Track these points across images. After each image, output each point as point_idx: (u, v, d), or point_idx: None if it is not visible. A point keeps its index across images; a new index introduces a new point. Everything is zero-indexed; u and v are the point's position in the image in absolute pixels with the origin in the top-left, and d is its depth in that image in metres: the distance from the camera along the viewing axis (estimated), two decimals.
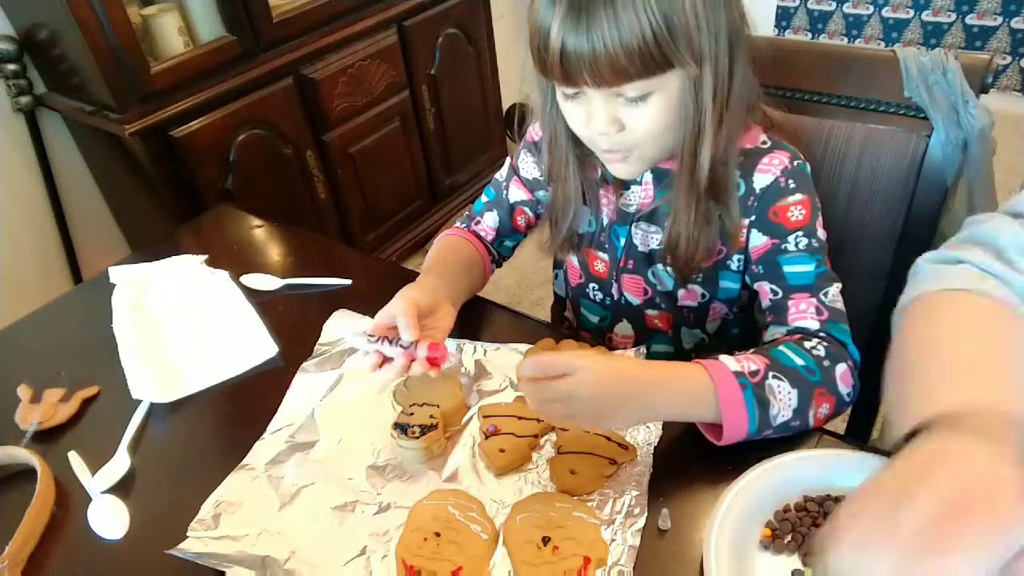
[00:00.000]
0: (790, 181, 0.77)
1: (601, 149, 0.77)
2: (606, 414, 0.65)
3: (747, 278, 0.84)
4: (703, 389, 0.67)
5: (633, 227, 0.86)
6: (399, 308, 0.73)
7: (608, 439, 0.72)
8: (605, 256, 0.91)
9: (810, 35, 3.21)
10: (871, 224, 0.90)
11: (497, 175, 0.98)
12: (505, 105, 2.69)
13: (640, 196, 0.84)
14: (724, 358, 0.69)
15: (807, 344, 0.72)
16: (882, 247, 0.90)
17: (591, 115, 0.72)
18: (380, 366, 0.72)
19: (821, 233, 0.78)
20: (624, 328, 0.97)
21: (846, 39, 3.12)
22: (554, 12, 0.66)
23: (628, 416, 0.68)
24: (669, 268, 0.86)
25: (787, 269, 0.77)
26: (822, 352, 0.71)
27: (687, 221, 0.78)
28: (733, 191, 0.78)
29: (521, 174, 0.95)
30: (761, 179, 0.77)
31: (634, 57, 0.65)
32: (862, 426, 1.05)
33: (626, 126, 0.72)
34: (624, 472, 0.69)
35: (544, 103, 0.81)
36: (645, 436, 0.73)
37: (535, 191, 0.94)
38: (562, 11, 0.65)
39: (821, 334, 0.74)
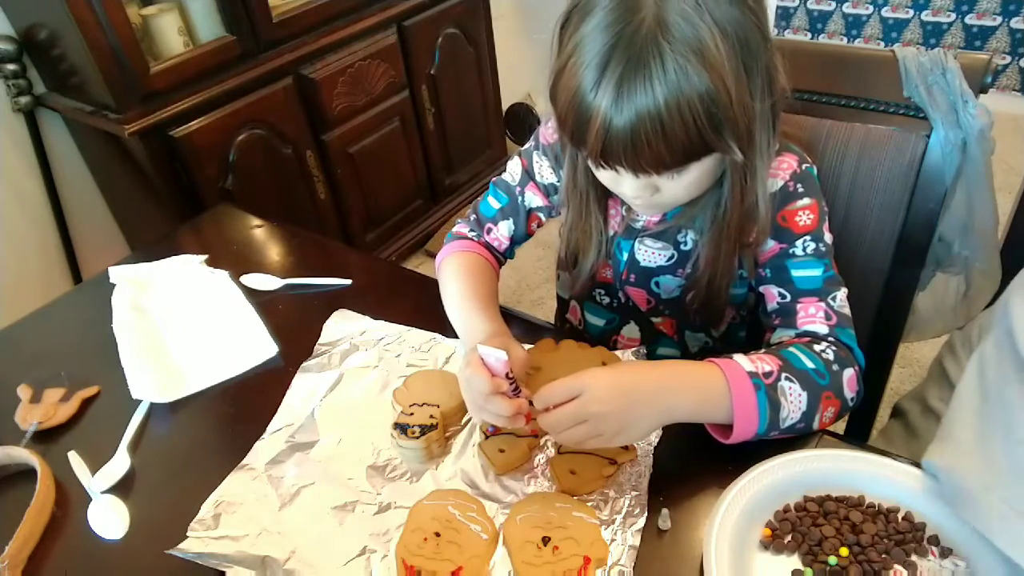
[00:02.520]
0: (799, 185, 0.76)
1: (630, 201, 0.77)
2: (626, 426, 0.64)
3: (752, 281, 0.84)
4: (717, 390, 0.66)
5: (637, 242, 0.86)
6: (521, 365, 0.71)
7: None
8: (612, 264, 0.91)
9: (810, 35, 3.21)
10: (870, 224, 0.90)
11: (506, 176, 0.94)
12: (505, 105, 2.69)
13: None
14: (738, 358, 0.69)
15: (817, 347, 0.72)
16: (881, 247, 0.90)
17: (621, 180, 0.70)
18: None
19: (828, 237, 0.77)
20: (631, 331, 0.96)
21: (846, 39, 3.12)
22: (599, 89, 0.62)
23: (647, 424, 0.66)
24: (675, 276, 0.86)
25: (795, 273, 0.77)
26: (831, 356, 0.71)
27: (717, 271, 0.79)
28: (759, 246, 0.77)
29: (537, 179, 0.91)
30: (770, 184, 0.76)
31: (675, 146, 0.62)
32: (862, 426, 1.05)
33: (660, 190, 0.71)
34: (624, 472, 0.69)
35: (564, 143, 0.80)
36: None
37: (551, 196, 0.92)
38: (609, 91, 0.61)
39: (830, 338, 0.74)
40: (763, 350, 0.72)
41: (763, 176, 0.71)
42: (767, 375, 0.67)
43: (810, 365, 0.69)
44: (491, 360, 0.66)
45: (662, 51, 0.59)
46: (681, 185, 0.70)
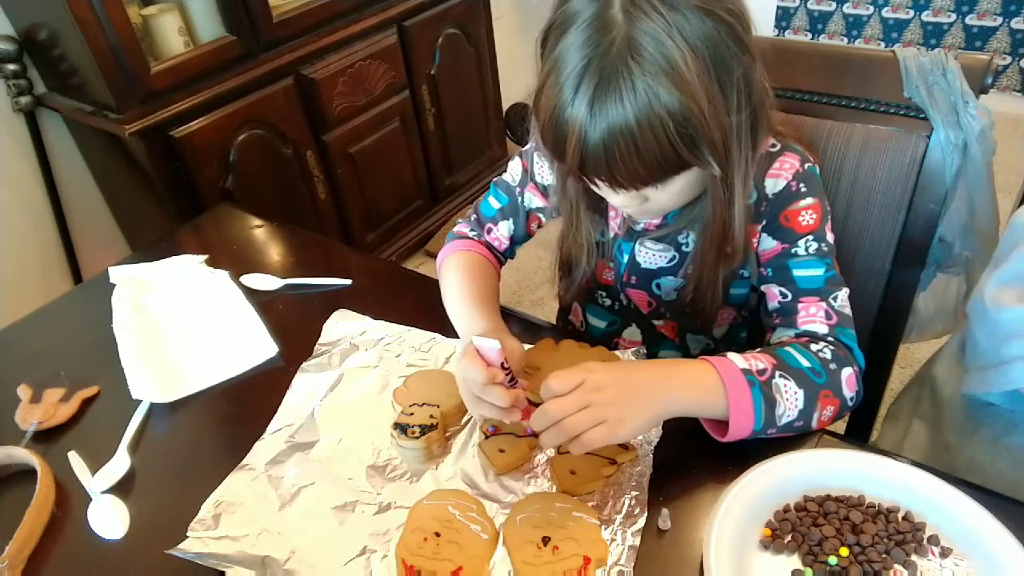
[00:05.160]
0: (801, 185, 0.76)
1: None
2: (628, 415, 0.63)
3: (755, 280, 0.84)
4: (711, 385, 0.67)
5: (638, 244, 0.86)
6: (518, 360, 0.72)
7: None
8: (613, 266, 0.91)
9: (810, 35, 3.21)
10: (870, 224, 0.90)
11: (506, 177, 0.94)
12: (505, 105, 2.69)
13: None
14: (731, 356, 0.69)
15: (813, 347, 0.72)
16: (881, 248, 0.90)
17: (611, 191, 0.71)
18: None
19: (830, 237, 0.78)
20: (632, 333, 0.96)
21: (846, 39, 3.12)
22: (575, 102, 0.62)
23: (648, 414, 0.66)
24: (676, 277, 0.86)
25: (797, 273, 0.77)
26: (828, 355, 0.71)
27: (702, 277, 0.79)
28: (739, 256, 0.78)
29: (537, 180, 0.91)
30: (772, 184, 0.77)
31: (649, 162, 0.63)
32: (862, 427, 1.05)
33: (649, 199, 0.71)
34: (624, 472, 0.69)
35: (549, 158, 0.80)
36: (645, 436, 0.73)
37: (550, 197, 0.92)
38: (584, 103, 0.61)
39: (829, 338, 0.74)
40: (758, 349, 0.72)
41: (740, 190, 0.71)
42: (761, 372, 0.68)
43: (805, 364, 0.70)
44: (486, 350, 0.66)
45: (631, 71, 0.60)
46: (668, 195, 0.70)
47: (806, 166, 0.77)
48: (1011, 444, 0.81)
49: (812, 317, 0.75)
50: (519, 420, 0.68)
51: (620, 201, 0.72)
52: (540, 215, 0.94)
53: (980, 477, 0.81)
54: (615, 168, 0.63)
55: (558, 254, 0.92)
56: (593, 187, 0.72)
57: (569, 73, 0.62)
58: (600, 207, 0.85)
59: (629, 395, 0.64)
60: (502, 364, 0.66)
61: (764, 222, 0.78)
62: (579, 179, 0.71)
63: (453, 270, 0.89)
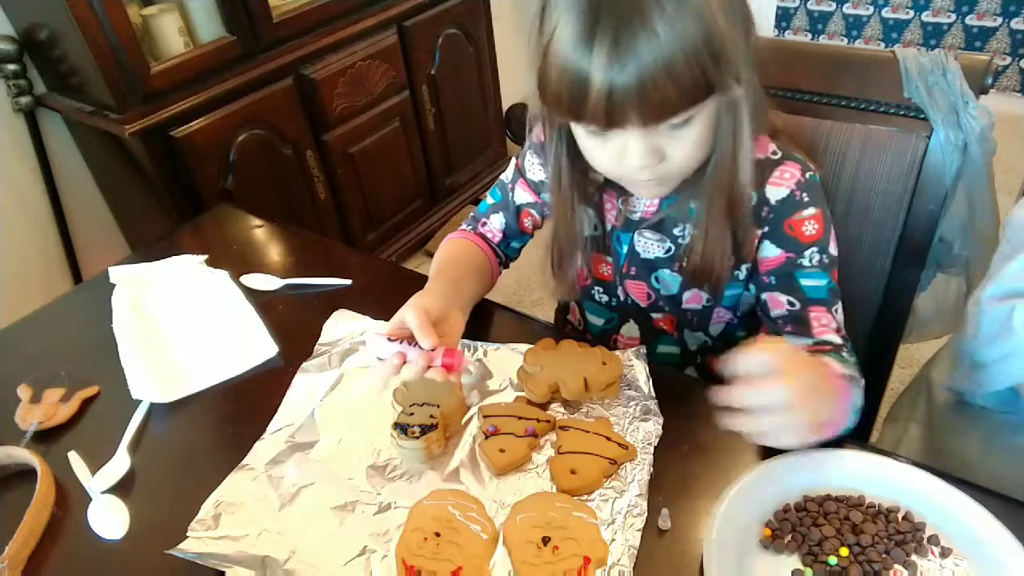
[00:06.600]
0: (804, 195, 0.77)
1: (635, 180, 0.74)
2: (814, 420, 0.58)
3: (753, 287, 0.84)
4: (847, 396, 0.67)
5: (636, 235, 0.86)
6: (411, 316, 0.70)
7: (608, 439, 0.72)
8: (610, 259, 0.91)
9: (810, 35, 3.21)
10: (871, 225, 0.90)
11: (503, 176, 0.96)
12: (505, 105, 2.69)
13: (645, 204, 0.83)
14: (828, 360, 0.68)
15: (846, 355, 0.73)
16: (882, 248, 0.90)
17: (626, 151, 0.68)
18: (400, 368, 0.70)
19: (833, 248, 0.78)
20: (631, 329, 0.96)
21: (846, 40, 3.12)
22: (592, 52, 0.60)
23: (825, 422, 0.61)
24: (673, 272, 0.86)
25: (804, 283, 0.77)
26: (854, 364, 0.72)
27: (714, 236, 0.77)
28: (748, 203, 0.77)
29: (527, 176, 0.93)
30: (775, 192, 0.77)
31: (684, 86, 0.61)
32: (862, 427, 1.05)
33: (667, 155, 0.69)
34: (624, 472, 0.69)
35: (549, 141, 0.78)
36: (645, 436, 0.73)
37: (541, 193, 0.93)
38: (604, 50, 0.59)
39: (846, 348, 0.75)
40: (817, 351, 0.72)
41: (754, 114, 0.69)
42: (852, 377, 0.68)
43: (847, 372, 0.70)
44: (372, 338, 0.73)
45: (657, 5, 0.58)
46: (686, 145, 0.68)
47: (807, 175, 0.77)
48: (1003, 444, 0.81)
49: (825, 327, 0.76)
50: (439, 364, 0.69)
51: (638, 160, 0.68)
52: (532, 211, 0.95)
53: (974, 479, 0.82)
54: (650, 100, 0.61)
55: (551, 248, 0.90)
56: (610, 147, 0.69)
57: (577, 24, 0.61)
58: (593, 200, 0.85)
59: (819, 411, 0.59)
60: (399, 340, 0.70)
61: (766, 228, 0.78)
62: (606, 125, 0.66)
63: (436, 254, 0.93)
